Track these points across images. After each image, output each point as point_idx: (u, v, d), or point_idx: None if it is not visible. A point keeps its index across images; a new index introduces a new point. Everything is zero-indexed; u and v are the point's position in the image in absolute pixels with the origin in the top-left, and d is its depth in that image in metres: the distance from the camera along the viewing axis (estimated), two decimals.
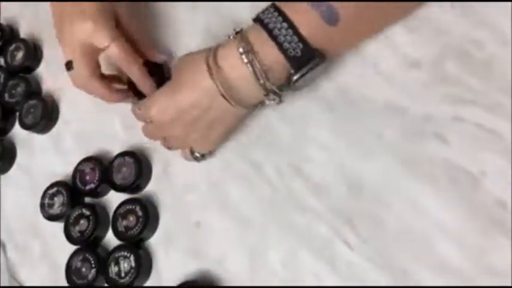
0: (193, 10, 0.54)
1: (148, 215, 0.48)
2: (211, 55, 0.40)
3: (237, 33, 0.40)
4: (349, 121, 0.41)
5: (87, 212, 0.50)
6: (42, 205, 0.53)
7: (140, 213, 0.48)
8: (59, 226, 0.52)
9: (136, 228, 0.48)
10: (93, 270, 0.48)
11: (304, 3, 0.37)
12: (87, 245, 0.50)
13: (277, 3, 0.38)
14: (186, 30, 0.53)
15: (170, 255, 0.47)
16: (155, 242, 0.48)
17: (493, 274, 0.34)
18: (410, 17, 0.41)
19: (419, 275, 0.36)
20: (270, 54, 0.38)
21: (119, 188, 0.50)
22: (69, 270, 0.49)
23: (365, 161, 0.40)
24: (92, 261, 0.48)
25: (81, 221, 0.50)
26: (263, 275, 0.41)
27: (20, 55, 0.62)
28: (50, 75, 0.62)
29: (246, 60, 0.38)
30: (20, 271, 0.54)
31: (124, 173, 0.50)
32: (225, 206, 0.46)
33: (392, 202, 0.38)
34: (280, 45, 0.37)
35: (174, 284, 0.44)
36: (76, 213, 0.51)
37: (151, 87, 0.48)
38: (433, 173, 0.37)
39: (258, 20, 0.39)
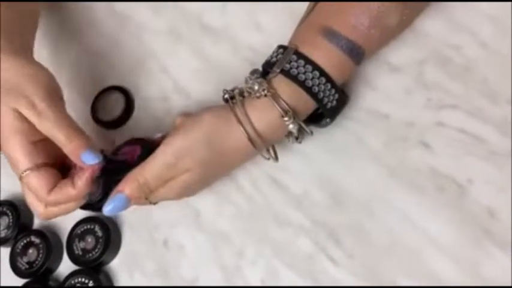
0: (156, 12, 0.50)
1: (109, 234, 0.43)
2: (238, 108, 0.36)
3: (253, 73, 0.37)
4: (330, 128, 0.39)
5: (36, 240, 0.45)
6: None
7: (100, 233, 0.43)
8: (4, 252, 0.46)
9: (96, 250, 0.43)
10: None
11: (332, 45, 0.35)
12: (37, 277, 0.44)
13: (300, 48, 0.36)
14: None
15: (135, 279, 0.43)
16: (117, 264, 0.44)
17: (484, 284, 0.33)
18: None
19: None
20: (305, 107, 0.36)
21: (82, 206, 0.45)
22: None
23: (348, 170, 0.38)
24: None
25: (30, 250, 0.45)
26: None
27: None
28: None
29: (287, 121, 0.35)
30: None
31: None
32: (196, 222, 0.42)
33: (378, 213, 0.36)
34: (320, 102, 0.35)
35: None
36: (23, 241, 0.45)
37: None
38: (419, 182, 0.36)
39: (288, 74, 0.35)
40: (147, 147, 0.38)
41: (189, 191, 0.39)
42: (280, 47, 0.37)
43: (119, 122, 0.47)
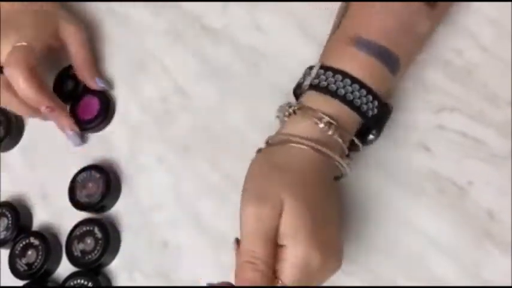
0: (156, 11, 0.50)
1: (108, 236, 0.43)
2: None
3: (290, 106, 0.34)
4: None
5: (35, 241, 0.44)
6: None
7: (99, 235, 0.43)
8: (3, 254, 0.46)
9: (95, 252, 0.43)
10: None
11: (361, 53, 0.33)
12: (35, 279, 0.44)
13: (327, 63, 0.34)
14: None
15: (135, 280, 0.43)
16: (117, 266, 0.44)
17: (485, 284, 0.33)
18: None
19: None
20: (348, 120, 0.34)
21: (82, 207, 0.45)
22: None
23: (348, 175, 0.38)
24: None
25: (29, 252, 0.44)
26: None
27: None
28: None
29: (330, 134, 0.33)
30: None
31: (90, 189, 0.45)
32: (195, 223, 0.42)
33: (379, 216, 0.37)
34: (358, 109, 0.33)
35: None
36: (22, 243, 0.45)
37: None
38: (420, 184, 0.36)
39: (317, 87, 0.34)
40: None
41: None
42: (308, 68, 0.36)
43: None
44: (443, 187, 0.36)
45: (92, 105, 0.47)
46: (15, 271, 0.44)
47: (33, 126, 0.52)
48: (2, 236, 0.46)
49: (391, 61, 0.34)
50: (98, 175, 0.44)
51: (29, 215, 0.47)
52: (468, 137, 0.36)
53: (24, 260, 0.44)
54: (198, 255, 0.41)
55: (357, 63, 0.33)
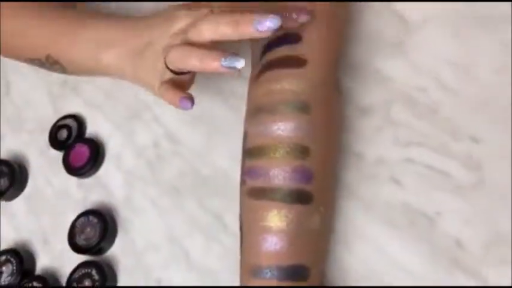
0: None
1: (105, 277, 0.45)
2: None
3: None
4: None
5: (38, 285, 0.47)
6: None
7: (96, 277, 0.45)
8: None
9: None
10: None
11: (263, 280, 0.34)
12: None
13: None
14: None
15: None
16: None
17: None
18: (357, 67, 0.43)
19: None
20: None
21: (81, 251, 0.48)
22: None
23: None
24: None
25: None
26: None
27: None
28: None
29: None
30: None
31: (88, 233, 0.48)
32: (186, 262, 0.44)
33: (354, 245, 0.39)
34: None
35: None
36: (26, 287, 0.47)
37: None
38: (391, 216, 0.38)
39: None
40: None
41: None
42: None
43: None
44: (413, 218, 0.38)
45: (82, 152, 0.51)
46: None
47: (36, 175, 0.55)
48: (7, 282, 0.48)
49: (298, 273, 0.34)
50: (95, 220, 0.47)
51: (32, 260, 0.50)
52: (435, 170, 0.38)
53: None
54: None
55: None
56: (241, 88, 0.48)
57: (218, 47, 0.35)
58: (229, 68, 0.33)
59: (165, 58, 0.37)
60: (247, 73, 0.49)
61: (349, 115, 0.43)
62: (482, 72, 0.40)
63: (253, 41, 0.40)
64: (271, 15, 0.32)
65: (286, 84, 0.35)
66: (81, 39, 0.44)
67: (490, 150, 0.37)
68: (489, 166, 0.37)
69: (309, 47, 0.36)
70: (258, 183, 0.35)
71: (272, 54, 0.37)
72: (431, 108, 0.40)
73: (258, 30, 0.32)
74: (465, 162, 0.38)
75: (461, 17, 0.42)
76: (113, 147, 0.52)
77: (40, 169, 0.55)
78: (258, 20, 0.32)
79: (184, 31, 0.37)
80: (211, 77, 0.50)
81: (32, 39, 0.49)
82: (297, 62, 0.35)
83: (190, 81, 0.41)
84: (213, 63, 0.33)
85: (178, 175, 0.48)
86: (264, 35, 0.33)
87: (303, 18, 0.35)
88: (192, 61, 0.34)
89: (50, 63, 0.50)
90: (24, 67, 0.59)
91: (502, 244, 0.35)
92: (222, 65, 0.33)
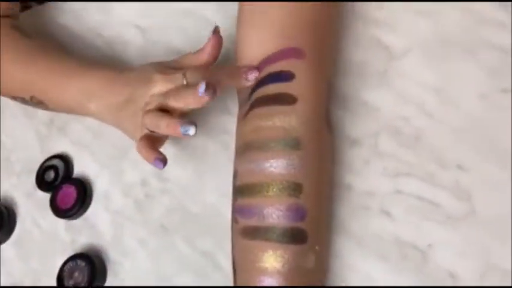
0: None
1: None
2: None
3: None
4: None
5: None
6: None
7: None
8: None
9: None
10: None
11: None
12: None
13: None
14: None
15: None
16: None
17: None
18: (344, 98, 0.44)
19: None
20: None
21: None
22: None
23: None
24: None
25: None
26: None
27: None
28: None
29: None
30: None
31: (76, 278, 0.47)
32: None
33: (347, 279, 0.38)
34: None
35: None
36: None
37: None
38: (383, 250, 0.38)
39: None
40: None
41: None
42: None
43: None
44: (405, 251, 0.37)
45: (70, 193, 0.50)
46: None
47: (24, 218, 0.54)
48: None
49: None
50: (83, 264, 0.46)
51: None
52: (424, 200, 0.38)
53: None
54: None
55: None
56: (231, 124, 0.48)
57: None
58: (185, 134, 0.37)
59: (142, 117, 0.41)
60: (235, 109, 0.49)
61: (338, 147, 0.42)
62: (465, 99, 0.40)
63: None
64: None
65: (278, 121, 0.36)
66: (66, 88, 0.48)
67: (478, 178, 0.37)
68: (478, 195, 0.37)
69: (300, 84, 0.36)
70: (252, 222, 0.35)
71: (262, 91, 0.37)
72: (417, 137, 0.40)
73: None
74: (453, 191, 0.37)
75: (442, 44, 0.42)
76: (100, 186, 0.52)
77: (28, 212, 0.54)
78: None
79: (162, 94, 0.41)
80: (200, 113, 0.50)
81: (16, 81, 0.50)
82: (287, 100, 0.36)
83: (165, 137, 0.45)
84: (176, 130, 0.38)
85: (167, 213, 0.47)
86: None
87: (252, 77, 0.39)
88: (161, 127, 0.39)
89: (34, 102, 0.50)
90: (13, 106, 0.59)
91: (496, 274, 0.34)
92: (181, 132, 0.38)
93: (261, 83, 0.38)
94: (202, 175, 0.47)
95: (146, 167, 0.50)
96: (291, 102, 0.36)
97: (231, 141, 0.47)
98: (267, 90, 0.37)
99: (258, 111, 0.37)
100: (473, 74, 0.40)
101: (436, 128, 0.40)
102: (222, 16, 0.52)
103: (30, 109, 0.59)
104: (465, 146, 0.38)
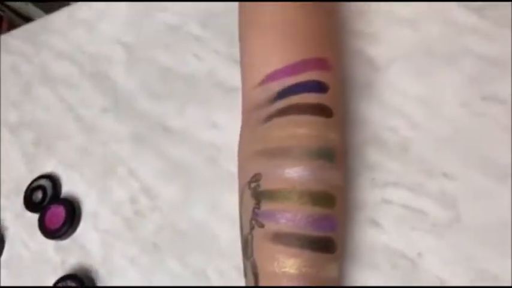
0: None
1: None
2: None
3: None
4: None
5: None
6: None
7: None
8: None
9: None
10: None
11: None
12: None
13: None
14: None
15: None
16: None
17: None
18: None
19: None
20: None
21: None
22: None
23: None
24: None
25: None
26: None
27: None
28: None
29: None
30: None
31: None
32: None
33: None
34: None
35: None
36: None
37: None
38: (374, 261, 0.38)
39: None
40: None
41: None
42: None
43: None
44: (395, 261, 0.37)
45: (58, 214, 0.50)
46: None
47: (13, 240, 0.54)
48: None
49: None
50: (73, 284, 0.46)
51: None
52: (412, 210, 0.38)
53: None
54: None
55: None
56: (218, 139, 0.48)
57: None
58: None
59: None
60: (222, 124, 0.49)
61: None
62: (448, 108, 0.40)
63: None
64: None
65: (319, 131, 0.35)
66: None
67: (463, 186, 0.38)
68: (463, 202, 0.37)
69: (333, 97, 0.36)
70: (281, 227, 0.34)
71: (297, 99, 0.36)
72: (403, 147, 0.40)
73: None
74: (439, 200, 0.38)
75: (426, 54, 0.43)
76: (89, 205, 0.51)
77: (17, 233, 0.54)
78: None
79: None
80: (187, 130, 0.50)
81: None
82: (326, 112, 0.36)
83: None
84: None
85: (157, 231, 0.47)
86: None
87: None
88: None
89: None
90: None
91: (485, 281, 0.35)
92: None
93: (291, 90, 0.37)
94: (190, 191, 0.47)
95: (134, 185, 0.50)
96: (328, 115, 0.36)
97: (218, 156, 0.47)
98: (303, 98, 0.36)
99: (295, 118, 0.36)
100: (455, 83, 0.41)
101: (422, 138, 0.40)
102: (208, 32, 0.52)
103: (16, 129, 0.59)
104: (450, 155, 0.39)
